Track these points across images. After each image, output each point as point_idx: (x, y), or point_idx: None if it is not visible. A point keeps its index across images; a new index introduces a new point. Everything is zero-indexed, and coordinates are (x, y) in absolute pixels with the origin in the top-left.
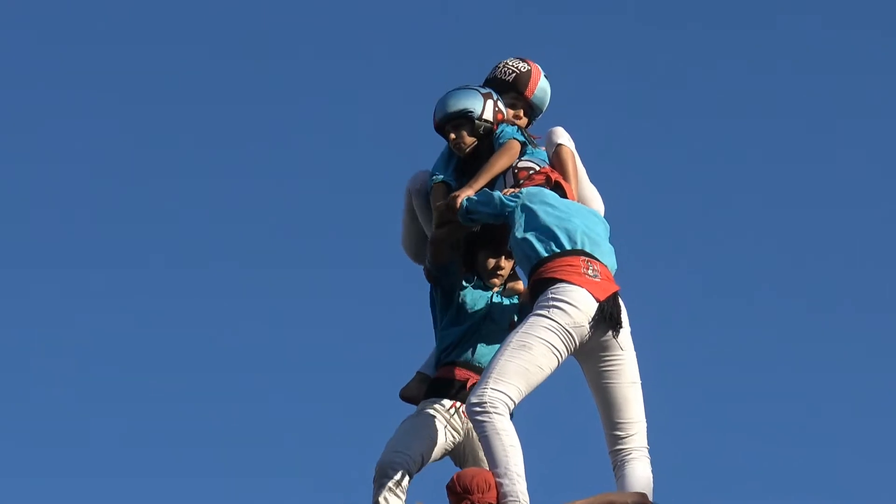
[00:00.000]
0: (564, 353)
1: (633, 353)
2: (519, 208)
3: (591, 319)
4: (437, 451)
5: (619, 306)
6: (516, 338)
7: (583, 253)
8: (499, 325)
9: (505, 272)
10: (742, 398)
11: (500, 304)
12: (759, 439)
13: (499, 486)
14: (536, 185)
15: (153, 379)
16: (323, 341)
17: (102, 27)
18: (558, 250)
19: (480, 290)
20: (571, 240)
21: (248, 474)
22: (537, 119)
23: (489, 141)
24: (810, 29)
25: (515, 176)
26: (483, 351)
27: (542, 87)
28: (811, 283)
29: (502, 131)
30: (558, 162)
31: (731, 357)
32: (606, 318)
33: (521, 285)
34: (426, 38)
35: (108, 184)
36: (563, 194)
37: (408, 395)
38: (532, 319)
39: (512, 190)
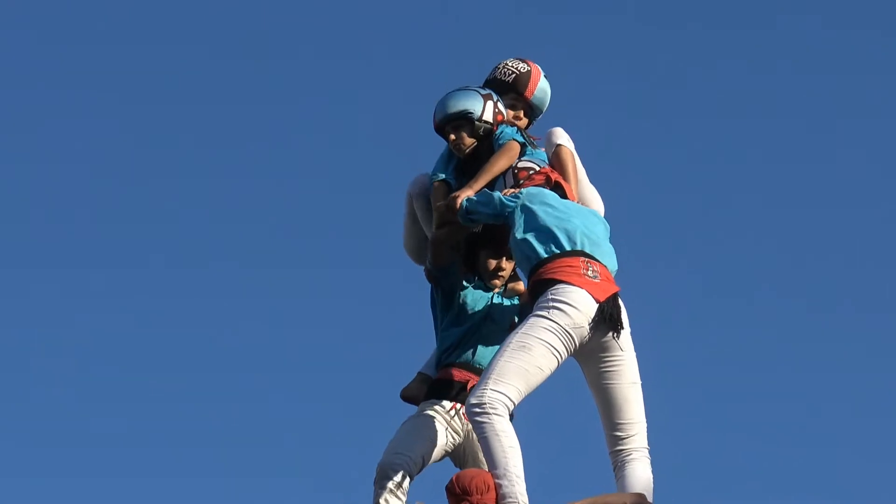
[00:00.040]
0: (564, 354)
1: (633, 354)
2: (519, 209)
3: (590, 320)
4: (438, 453)
5: (618, 307)
6: (516, 339)
7: (582, 254)
8: (499, 326)
9: (506, 273)
10: (742, 398)
11: (501, 304)
12: (759, 439)
13: (498, 487)
14: (536, 186)
15: (153, 379)
16: (323, 341)
17: (102, 27)
18: (558, 251)
19: (481, 291)
20: (571, 240)
21: (248, 474)
22: (537, 119)
23: (489, 142)
24: (810, 29)
25: (515, 176)
26: (483, 352)
27: (541, 88)
28: (811, 283)
29: (502, 132)
30: (558, 162)
31: (731, 357)
32: (606, 319)
33: (521, 286)
34: (426, 38)
35: (108, 184)
36: (563, 195)
37: (408, 396)
38: (532, 320)
39: (512, 190)
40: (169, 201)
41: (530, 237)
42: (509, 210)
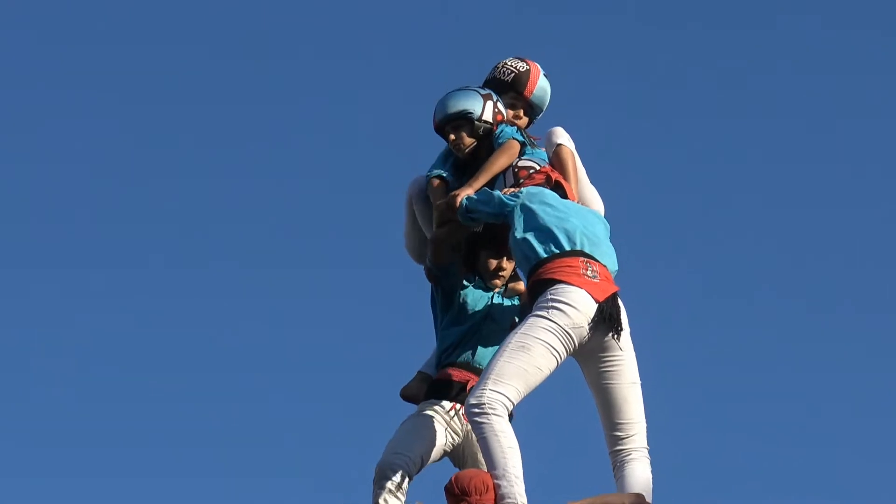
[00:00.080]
0: (563, 354)
1: (633, 354)
2: (518, 208)
3: (590, 320)
4: (437, 453)
5: (618, 307)
6: (515, 339)
7: (582, 254)
8: (499, 326)
9: (506, 273)
10: (742, 398)
11: (501, 304)
12: (759, 439)
13: (497, 487)
14: (536, 185)
15: (153, 379)
16: (323, 341)
17: (102, 27)
18: (557, 251)
19: (481, 291)
20: (571, 240)
21: (248, 474)
22: (538, 118)
23: (488, 142)
24: (810, 29)
25: (515, 175)
26: (483, 352)
27: (541, 87)
28: (811, 283)
29: (501, 132)
30: (558, 162)
31: (731, 357)
32: (605, 319)
33: (522, 286)
34: (426, 38)
35: (108, 184)
36: (563, 194)
37: (408, 395)
38: (531, 320)
39: (512, 189)
40: (169, 201)
41: (530, 237)
42: (509, 209)
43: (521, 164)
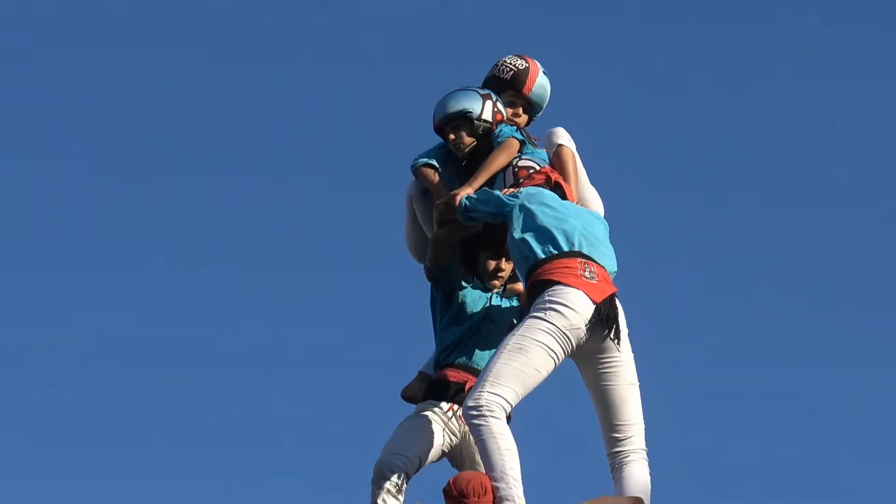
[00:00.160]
0: (561, 356)
1: (631, 355)
2: (517, 208)
3: (587, 322)
4: (435, 453)
5: (615, 308)
6: (513, 340)
7: (580, 255)
8: (498, 327)
9: (505, 274)
10: (742, 398)
11: (500, 305)
12: (759, 439)
13: (495, 489)
14: (536, 185)
15: (153, 379)
16: (323, 341)
17: (102, 27)
18: (556, 252)
19: (480, 291)
20: (569, 241)
21: (248, 474)
22: (538, 116)
23: (488, 141)
24: (810, 29)
25: (515, 175)
26: (482, 353)
27: (540, 84)
28: (811, 283)
29: (500, 131)
30: (558, 162)
31: (731, 357)
32: (603, 321)
33: (521, 286)
34: (426, 38)
35: (108, 184)
36: (562, 195)
37: (409, 395)
38: (529, 322)
39: (511, 189)
40: (169, 201)
41: (528, 237)
42: (508, 209)
43: (520, 163)
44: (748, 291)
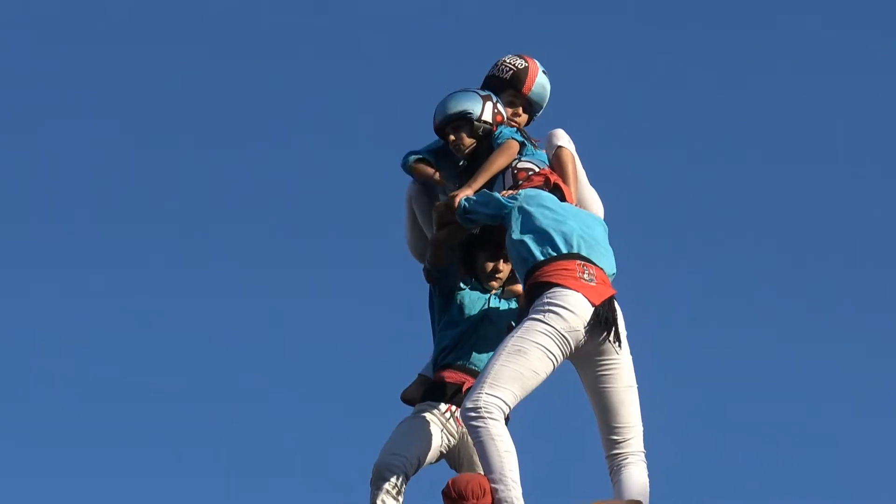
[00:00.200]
0: (560, 358)
1: (630, 357)
2: (516, 210)
3: (586, 324)
4: (433, 454)
5: (614, 311)
6: (511, 342)
7: (579, 257)
8: (496, 328)
9: (503, 275)
10: (742, 398)
11: (498, 306)
12: (759, 439)
13: (494, 491)
14: (535, 187)
15: (153, 379)
16: (323, 341)
17: (102, 27)
18: (554, 254)
19: (478, 293)
20: (568, 243)
21: (248, 474)
22: (538, 116)
23: (488, 142)
24: (810, 29)
25: (515, 176)
26: (480, 354)
27: (540, 83)
28: (811, 283)
29: (501, 132)
30: (558, 164)
31: (731, 357)
32: (602, 323)
33: (519, 288)
34: (426, 38)
35: (108, 184)
36: (561, 197)
37: (408, 398)
38: (527, 324)
39: (510, 191)
40: (169, 201)
41: (527, 239)
42: (507, 211)
43: (520, 165)
44: (748, 291)
